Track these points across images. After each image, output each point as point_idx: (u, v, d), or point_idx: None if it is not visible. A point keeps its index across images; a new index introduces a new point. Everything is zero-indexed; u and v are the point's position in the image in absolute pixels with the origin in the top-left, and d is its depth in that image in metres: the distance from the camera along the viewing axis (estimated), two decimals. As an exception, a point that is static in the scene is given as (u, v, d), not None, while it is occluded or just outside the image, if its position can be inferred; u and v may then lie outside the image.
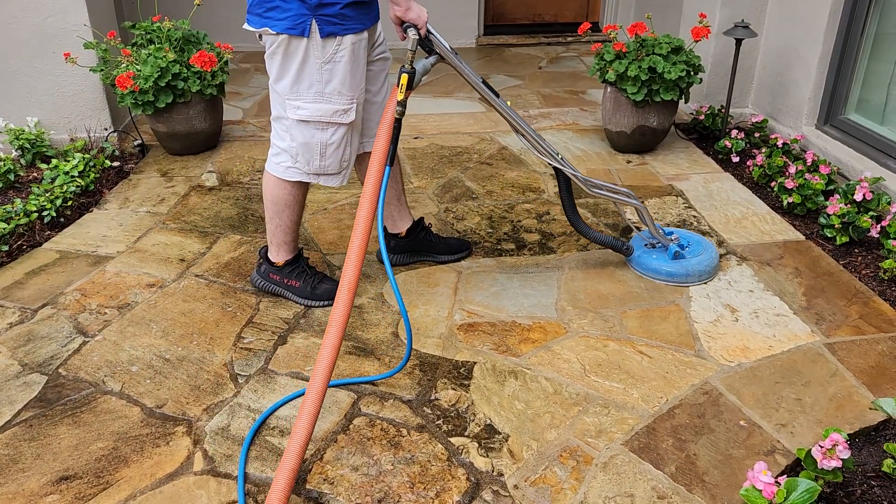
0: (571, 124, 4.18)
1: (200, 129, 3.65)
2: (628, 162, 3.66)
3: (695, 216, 3.06)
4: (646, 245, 2.67)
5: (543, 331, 2.31)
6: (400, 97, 1.88)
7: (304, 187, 2.31)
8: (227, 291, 2.51)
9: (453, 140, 3.95)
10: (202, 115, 3.62)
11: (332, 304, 2.43)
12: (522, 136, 2.30)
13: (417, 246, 2.63)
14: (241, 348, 2.24)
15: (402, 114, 1.89)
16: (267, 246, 2.48)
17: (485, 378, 2.12)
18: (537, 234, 2.92)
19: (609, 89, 3.63)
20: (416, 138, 3.97)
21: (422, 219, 2.65)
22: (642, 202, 2.57)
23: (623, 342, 2.27)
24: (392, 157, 1.90)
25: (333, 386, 2.06)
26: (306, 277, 2.45)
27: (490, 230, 2.95)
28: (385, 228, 2.61)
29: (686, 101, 3.58)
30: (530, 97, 4.69)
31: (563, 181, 2.43)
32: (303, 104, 2.09)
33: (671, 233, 2.69)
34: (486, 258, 2.74)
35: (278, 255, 2.43)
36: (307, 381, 2.12)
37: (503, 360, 2.19)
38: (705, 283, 2.56)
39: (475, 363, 2.18)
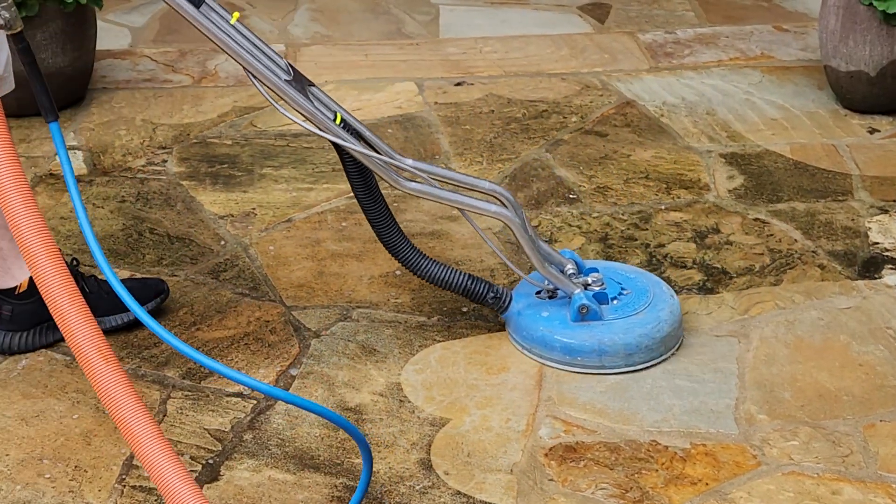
0: (759, 58, 4.17)
1: (56, 67, 3.70)
2: (872, 131, 3.62)
3: None
4: (539, 294, 2.67)
5: (713, 461, 2.30)
6: None
7: None
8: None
9: (531, 88, 3.96)
10: (58, 42, 3.66)
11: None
12: (255, 78, 2.34)
13: None
14: (134, 488, 2.24)
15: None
16: None
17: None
18: (697, 270, 2.92)
19: (834, -9, 3.63)
20: (458, 84, 4.00)
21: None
22: (522, 208, 2.62)
23: (872, 487, 2.24)
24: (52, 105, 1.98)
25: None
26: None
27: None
28: None
29: None
30: (677, 5, 4.67)
31: (353, 168, 2.46)
32: None
33: (591, 270, 2.69)
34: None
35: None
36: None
37: (635, 518, 2.18)
38: (648, 366, 2.56)
39: (581, 524, 2.17)
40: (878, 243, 3.01)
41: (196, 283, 2.86)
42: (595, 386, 2.51)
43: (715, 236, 3.06)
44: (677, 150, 3.52)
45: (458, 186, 2.64)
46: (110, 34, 4.30)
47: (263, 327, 2.70)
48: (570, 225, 3.11)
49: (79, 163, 3.45)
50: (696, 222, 3.12)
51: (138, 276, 2.86)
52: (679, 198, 3.24)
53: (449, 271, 2.57)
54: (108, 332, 2.63)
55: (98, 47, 3.96)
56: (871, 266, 2.93)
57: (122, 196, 3.27)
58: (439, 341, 2.66)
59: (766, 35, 4.36)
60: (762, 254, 2.98)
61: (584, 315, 2.55)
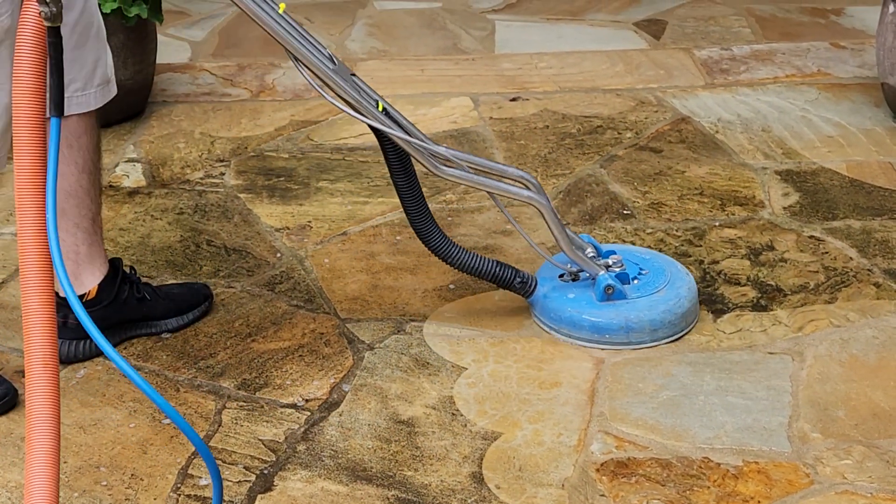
0: (815, 75, 4.14)
1: (117, 80, 3.71)
2: (929, 149, 3.60)
3: None
4: (562, 276, 2.75)
5: (765, 479, 2.29)
6: None
7: None
8: (163, 388, 2.58)
9: (586, 104, 3.97)
10: (120, 56, 3.72)
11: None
12: (301, 65, 2.41)
13: (121, 316, 2.70)
14: (189, 497, 2.26)
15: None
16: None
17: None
18: (751, 287, 2.91)
19: (893, 6, 3.59)
20: (513, 99, 4.00)
21: (118, 261, 2.69)
22: (549, 199, 2.70)
23: (925, 507, 2.22)
24: (60, 101, 1.75)
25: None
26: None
27: (659, 279, 2.95)
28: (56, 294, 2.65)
29: None
30: (734, 21, 4.66)
31: (393, 154, 2.53)
32: None
33: (609, 253, 2.78)
34: (653, 333, 2.76)
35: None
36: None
37: (686, 534, 2.17)
38: (671, 341, 2.67)
39: (632, 540, 2.16)
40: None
41: (252, 295, 2.89)
42: (647, 402, 2.50)
43: (769, 253, 3.05)
44: (732, 166, 3.50)
45: (489, 173, 2.69)
46: (170, 48, 4.35)
47: (318, 339, 2.72)
48: (624, 241, 3.10)
49: (138, 175, 3.50)
50: (750, 239, 3.11)
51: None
52: (734, 214, 3.23)
53: (478, 259, 2.64)
54: (166, 332, 2.74)
55: (158, 61, 4.01)
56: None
57: (181, 208, 3.30)
58: (492, 355, 2.66)
59: (822, 52, 4.34)
60: (817, 271, 2.96)
61: (609, 295, 2.65)
